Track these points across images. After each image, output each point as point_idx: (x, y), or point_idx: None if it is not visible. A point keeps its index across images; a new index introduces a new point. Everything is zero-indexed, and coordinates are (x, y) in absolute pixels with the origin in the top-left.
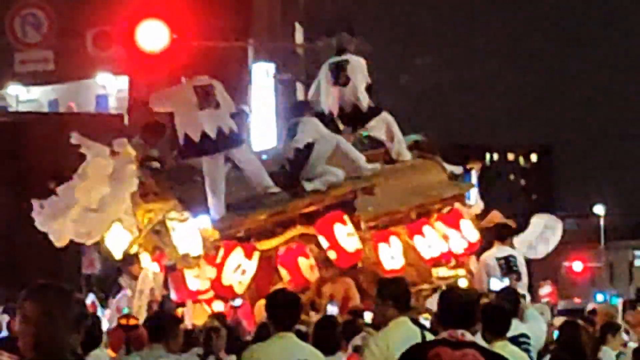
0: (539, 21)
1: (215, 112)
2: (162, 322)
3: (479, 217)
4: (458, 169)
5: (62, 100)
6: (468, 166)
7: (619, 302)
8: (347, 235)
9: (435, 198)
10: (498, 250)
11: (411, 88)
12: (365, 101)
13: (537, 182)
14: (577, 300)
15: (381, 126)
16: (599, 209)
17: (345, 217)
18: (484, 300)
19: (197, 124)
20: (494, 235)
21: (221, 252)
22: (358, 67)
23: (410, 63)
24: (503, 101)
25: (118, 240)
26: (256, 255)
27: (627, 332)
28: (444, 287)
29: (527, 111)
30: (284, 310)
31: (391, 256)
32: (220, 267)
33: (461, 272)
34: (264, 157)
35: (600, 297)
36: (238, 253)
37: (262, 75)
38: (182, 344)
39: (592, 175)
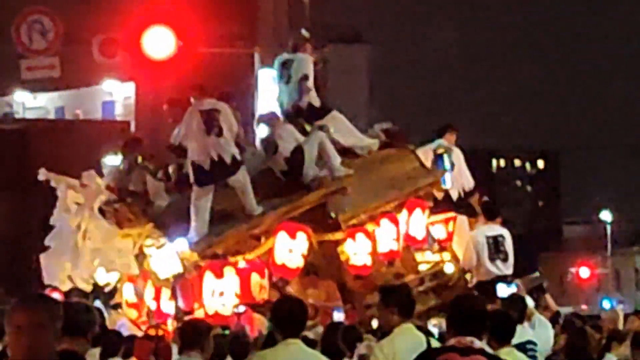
0: (546, 28)
1: (217, 139)
2: (196, 329)
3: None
4: (446, 145)
5: (68, 107)
6: (438, 151)
7: (619, 309)
8: (288, 250)
9: (410, 188)
10: (488, 229)
11: (417, 92)
12: (313, 99)
13: (543, 188)
14: (583, 307)
15: (333, 124)
16: (605, 215)
17: (300, 233)
18: (492, 306)
19: (201, 150)
20: (484, 214)
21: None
22: (304, 65)
23: (416, 68)
24: (510, 107)
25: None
26: (228, 270)
27: None
28: (427, 277)
29: (534, 117)
30: (290, 317)
31: (354, 253)
32: (198, 299)
33: (446, 256)
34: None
35: (606, 304)
36: (208, 277)
37: (269, 81)
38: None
39: (599, 182)
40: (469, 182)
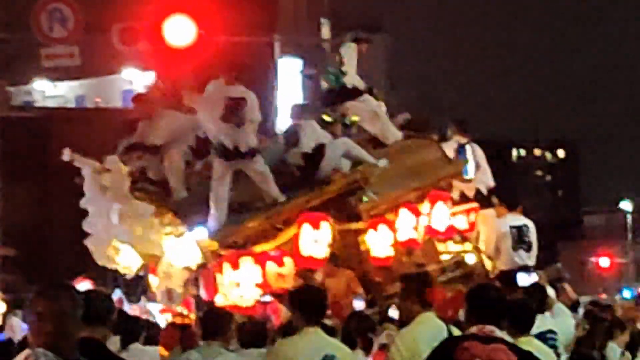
0: (566, 18)
1: (237, 129)
2: (218, 319)
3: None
4: (461, 141)
5: (88, 95)
6: (461, 142)
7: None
8: (313, 241)
9: (432, 178)
10: (513, 218)
11: (436, 82)
12: (356, 82)
13: (563, 178)
14: (602, 296)
15: (362, 108)
16: (626, 205)
17: (323, 223)
18: (513, 296)
19: (217, 133)
20: (503, 204)
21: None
22: (354, 54)
23: (436, 57)
24: (529, 97)
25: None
26: (245, 261)
27: None
28: (449, 268)
29: (554, 106)
30: (311, 305)
31: (375, 244)
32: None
33: (468, 246)
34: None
35: (627, 293)
36: (226, 268)
37: (289, 70)
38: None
39: (619, 171)
40: (490, 180)
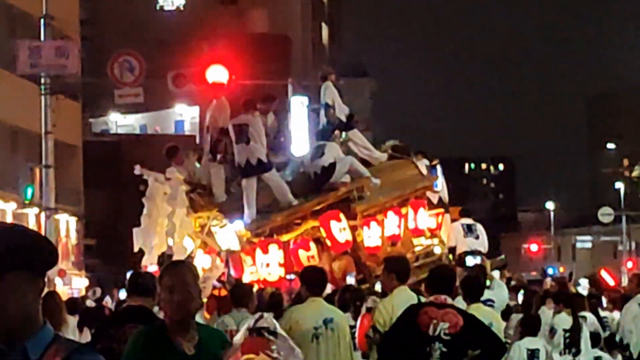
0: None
1: (246, 147)
2: (243, 291)
3: (448, 206)
4: (426, 164)
5: (149, 124)
6: (433, 163)
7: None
8: (339, 230)
9: (411, 189)
10: (464, 220)
11: (409, 114)
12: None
13: (503, 185)
14: (533, 273)
15: (353, 138)
16: (550, 205)
17: (341, 215)
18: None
19: (236, 157)
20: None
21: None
22: (327, 93)
23: (408, 96)
24: (479, 124)
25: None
26: (272, 247)
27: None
28: (421, 256)
29: (496, 132)
30: (315, 280)
31: (369, 237)
32: (241, 270)
33: (435, 241)
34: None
35: (550, 271)
36: (258, 252)
37: (299, 106)
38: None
39: (544, 180)
40: (445, 196)
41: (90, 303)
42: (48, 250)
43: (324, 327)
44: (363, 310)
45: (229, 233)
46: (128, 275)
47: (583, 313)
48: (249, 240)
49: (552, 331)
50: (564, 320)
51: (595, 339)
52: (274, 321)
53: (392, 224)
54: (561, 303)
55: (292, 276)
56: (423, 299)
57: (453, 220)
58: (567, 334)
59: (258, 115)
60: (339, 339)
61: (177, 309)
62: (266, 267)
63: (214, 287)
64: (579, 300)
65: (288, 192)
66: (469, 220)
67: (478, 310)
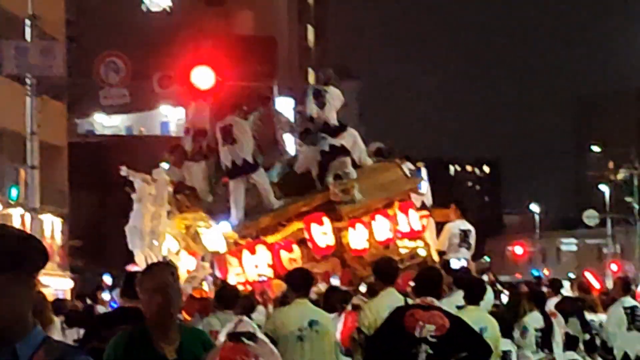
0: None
1: (231, 147)
2: (229, 293)
3: (434, 208)
4: (410, 167)
5: (135, 125)
6: (418, 165)
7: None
8: (320, 233)
9: (396, 191)
10: (462, 223)
11: (396, 116)
12: (334, 120)
13: (488, 187)
14: (518, 275)
15: (349, 139)
16: (534, 207)
17: (324, 219)
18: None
19: (222, 159)
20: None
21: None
22: (336, 96)
23: (394, 98)
24: (465, 127)
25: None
26: (260, 248)
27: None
28: (406, 258)
29: (481, 135)
30: (300, 282)
31: (355, 239)
32: (226, 272)
33: (420, 243)
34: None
35: (535, 273)
36: (245, 255)
37: (284, 107)
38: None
39: (529, 182)
40: (430, 199)
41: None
42: (39, 251)
43: (308, 328)
44: (349, 307)
45: (216, 234)
46: (105, 277)
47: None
48: (236, 242)
49: (525, 330)
50: (536, 319)
51: (572, 341)
52: (254, 325)
53: (383, 227)
54: (533, 302)
55: (264, 278)
56: (410, 301)
57: (443, 223)
58: (539, 334)
59: (243, 116)
60: (324, 341)
61: (158, 311)
62: (255, 269)
63: (194, 289)
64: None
65: (271, 194)
66: (466, 225)
67: (475, 313)
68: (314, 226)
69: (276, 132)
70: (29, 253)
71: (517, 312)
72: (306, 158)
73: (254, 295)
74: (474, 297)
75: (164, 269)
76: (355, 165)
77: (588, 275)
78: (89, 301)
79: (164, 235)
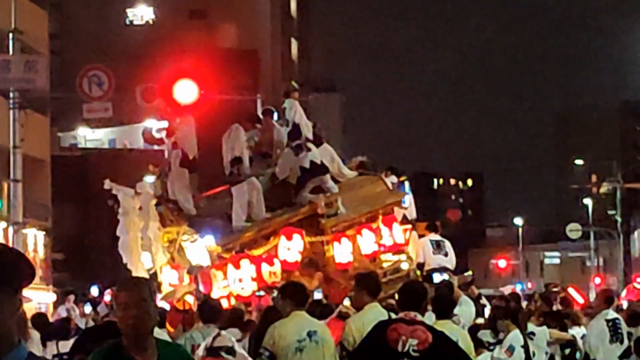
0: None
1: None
2: (212, 307)
3: (416, 222)
4: (394, 180)
5: (118, 139)
6: (401, 179)
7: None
8: (287, 249)
9: (379, 205)
10: (432, 236)
11: (378, 129)
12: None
13: (471, 201)
14: (501, 289)
15: (325, 153)
16: (518, 221)
17: (295, 235)
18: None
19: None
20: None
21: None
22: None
23: (377, 111)
24: (448, 141)
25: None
26: (244, 262)
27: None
28: (389, 272)
29: (465, 149)
30: (297, 295)
31: (340, 253)
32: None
33: (403, 257)
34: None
35: (518, 287)
36: (230, 268)
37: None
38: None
39: (512, 196)
40: (413, 213)
41: (58, 317)
42: (26, 267)
43: (307, 339)
44: (334, 314)
45: (200, 248)
46: (93, 289)
47: (541, 328)
48: (220, 256)
49: (510, 349)
50: (517, 339)
51: (549, 356)
52: (232, 339)
53: (368, 241)
54: (509, 319)
55: (262, 292)
56: (394, 316)
57: (420, 236)
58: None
59: (241, 129)
60: (324, 352)
61: (134, 325)
62: (239, 282)
63: (177, 300)
64: (524, 314)
65: (263, 205)
66: (437, 237)
67: (445, 327)
68: (282, 239)
69: (273, 147)
70: (15, 269)
71: (495, 328)
72: (288, 162)
73: (248, 310)
74: (442, 310)
75: (140, 283)
76: (335, 180)
77: (571, 291)
78: (64, 314)
79: (156, 247)
